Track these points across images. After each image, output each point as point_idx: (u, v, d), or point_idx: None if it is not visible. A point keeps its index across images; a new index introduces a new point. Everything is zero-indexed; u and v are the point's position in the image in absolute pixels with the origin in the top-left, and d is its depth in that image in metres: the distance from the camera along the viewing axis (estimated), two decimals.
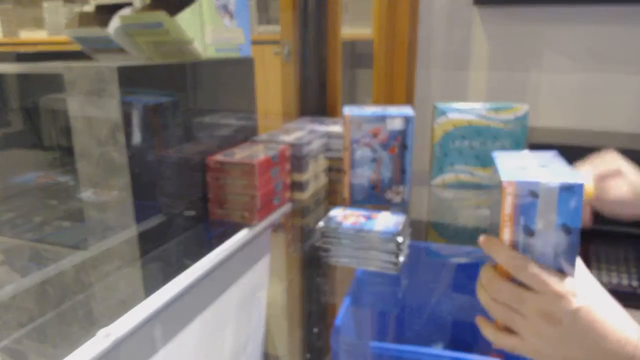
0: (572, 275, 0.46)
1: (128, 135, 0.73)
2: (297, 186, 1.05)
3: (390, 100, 1.61)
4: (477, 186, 1.15)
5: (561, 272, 0.46)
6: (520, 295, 0.46)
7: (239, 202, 0.91)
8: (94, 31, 0.87)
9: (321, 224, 0.81)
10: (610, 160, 0.70)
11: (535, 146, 0.56)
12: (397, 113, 0.98)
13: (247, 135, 1.08)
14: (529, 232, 0.46)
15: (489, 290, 0.49)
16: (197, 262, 0.77)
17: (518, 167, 0.49)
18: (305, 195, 1.07)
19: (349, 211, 0.86)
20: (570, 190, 0.44)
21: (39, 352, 0.66)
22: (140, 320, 0.63)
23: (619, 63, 1.43)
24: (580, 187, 0.44)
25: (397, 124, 0.97)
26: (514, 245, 0.47)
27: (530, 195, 0.45)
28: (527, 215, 0.46)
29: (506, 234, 0.47)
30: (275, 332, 0.81)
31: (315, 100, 1.54)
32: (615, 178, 0.68)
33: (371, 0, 1.68)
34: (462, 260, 0.91)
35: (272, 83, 1.68)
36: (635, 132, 1.37)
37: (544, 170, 0.48)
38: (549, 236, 0.46)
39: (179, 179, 0.86)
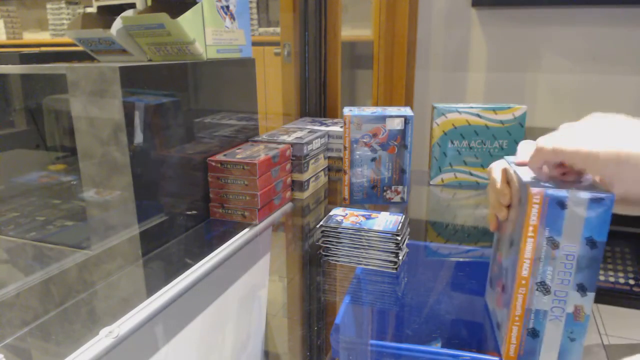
0: (592, 292, 0.45)
1: (130, 135, 0.74)
2: (298, 186, 1.06)
3: (389, 100, 1.62)
4: (475, 186, 1.16)
5: (582, 289, 0.45)
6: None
7: (239, 202, 0.91)
8: (96, 32, 0.88)
9: (321, 223, 0.82)
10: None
11: None
12: (397, 113, 0.98)
13: (248, 135, 1.09)
14: (554, 243, 0.44)
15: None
16: (198, 261, 0.77)
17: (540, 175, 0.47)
18: (305, 195, 1.08)
19: (348, 210, 0.87)
20: (600, 202, 0.42)
21: (42, 350, 0.66)
22: (142, 319, 0.63)
23: (615, 64, 1.43)
24: (611, 199, 0.42)
25: (396, 124, 0.98)
26: (536, 257, 0.45)
27: (558, 206, 0.43)
28: (552, 227, 0.44)
29: (529, 245, 0.45)
30: (275, 330, 0.81)
31: (315, 101, 1.55)
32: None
33: (371, 2, 1.68)
34: (461, 259, 0.91)
35: (273, 84, 1.69)
36: None
37: (568, 179, 0.46)
38: (573, 249, 0.44)
39: (180, 178, 0.87)
